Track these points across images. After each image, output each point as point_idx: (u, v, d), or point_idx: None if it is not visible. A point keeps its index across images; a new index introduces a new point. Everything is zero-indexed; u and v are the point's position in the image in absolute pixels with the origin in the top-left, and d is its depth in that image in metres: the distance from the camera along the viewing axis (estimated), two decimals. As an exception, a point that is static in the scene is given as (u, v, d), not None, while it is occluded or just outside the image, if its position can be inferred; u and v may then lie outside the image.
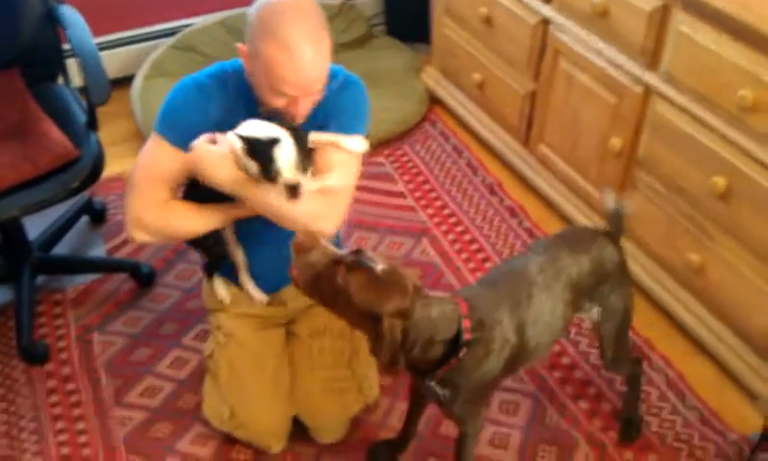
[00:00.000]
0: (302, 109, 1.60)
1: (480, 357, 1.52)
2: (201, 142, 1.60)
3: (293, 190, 1.52)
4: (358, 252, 1.43)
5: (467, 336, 1.47)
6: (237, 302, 1.88)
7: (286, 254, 1.82)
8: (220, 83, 1.67)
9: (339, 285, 1.41)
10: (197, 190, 1.67)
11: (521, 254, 1.81)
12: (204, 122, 1.63)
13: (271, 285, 1.86)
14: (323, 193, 1.60)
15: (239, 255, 1.81)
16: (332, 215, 1.63)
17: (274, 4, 1.53)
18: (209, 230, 1.70)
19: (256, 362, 1.84)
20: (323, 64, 1.55)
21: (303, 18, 1.51)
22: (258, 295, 1.86)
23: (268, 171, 1.50)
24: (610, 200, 1.81)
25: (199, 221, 1.69)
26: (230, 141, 1.54)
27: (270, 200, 1.56)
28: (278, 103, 1.57)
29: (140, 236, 1.68)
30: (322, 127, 1.67)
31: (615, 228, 1.81)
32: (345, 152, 1.66)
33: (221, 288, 1.87)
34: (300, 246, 1.48)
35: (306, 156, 1.56)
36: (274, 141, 1.49)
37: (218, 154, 1.57)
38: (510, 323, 1.55)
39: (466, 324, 1.47)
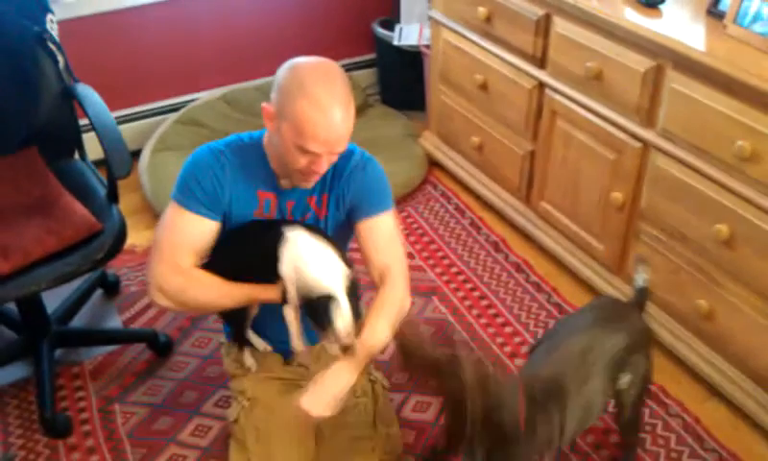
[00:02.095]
0: (323, 168, 1.67)
1: (527, 440, 1.60)
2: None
3: (347, 349, 1.62)
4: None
5: (521, 420, 1.56)
6: (260, 367, 1.92)
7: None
8: (236, 152, 1.74)
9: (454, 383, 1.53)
10: (227, 263, 1.73)
11: (562, 330, 1.88)
12: (218, 189, 1.70)
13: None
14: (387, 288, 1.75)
15: (253, 308, 1.84)
16: (406, 295, 1.80)
17: (304, 66, 1.61)
18: (231, 307, 1.75)
19: (283, 426, 1.85)
20: (350, 124, 1.63)
21: (334, 80, 1.60)
22: (261, 344, 1.91)
23: (325, 329, 1.60)
24: (640, 277, 1.92)
25: (221, 295, 1.73)
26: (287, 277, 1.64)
27: (380, 340, 1.67)
28: (301, 162, 1.63)
29: (161, 301, 1.73)
30: (352, 207, 1.77)
31: (642, 298, 1.92)
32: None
33: (248, 358, 1.92)
34: (406, 345, 1.59)
35: (356, 308, 1.63)
36: (329, 299, 1.57)
37: (329, 391, 1.65)
38: (557, 411, 1.65)
39: (521, 408, 1.57)
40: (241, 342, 1.91)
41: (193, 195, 1.70)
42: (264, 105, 1.66)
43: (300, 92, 1.57)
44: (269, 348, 1.92)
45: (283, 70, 1.63)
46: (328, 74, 1.60)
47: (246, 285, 1.73)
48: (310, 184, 1.72)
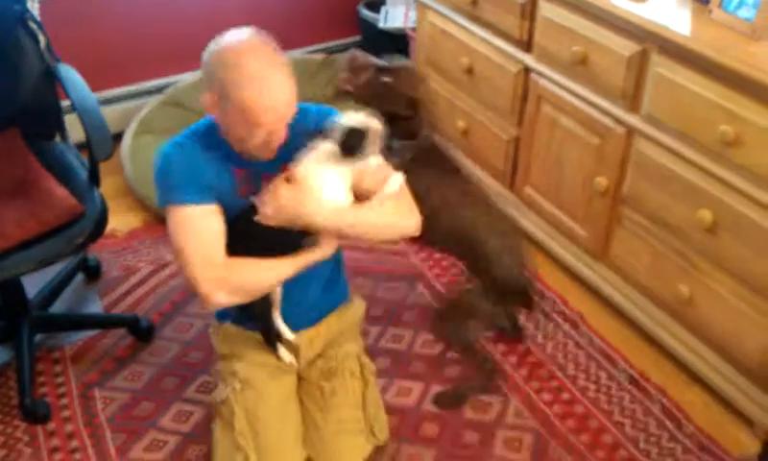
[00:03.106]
0: (281, 135, 1.65)
1: None
2: (284, 188, 1.65)
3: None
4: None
5: None
6: (255, 349, 1.91)
7: (309, 297, 1.89)
8: (198, 139, 1.72)
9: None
10: (238, 244, 1.70)
11: None
12: (198, 175, 1.68)
13: (291, 326, 1.89)
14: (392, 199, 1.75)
15: (276, 292, 1.82)
16: (412, 211, 1.80)
17: (226, 46, 1.60)
18: (283, 276, 1.73)
19: (277, 409, 1.86)
20: (292, 87, 1.61)
21: (258, 50, 1.59)
22: (287, 333, 1.89)
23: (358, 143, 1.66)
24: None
25: (267, 267, 1.71)
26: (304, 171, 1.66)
27: (371, 219, 1.71)
28: (257, 136, 1.61)
29: (221, 298, 1.67)
30: None
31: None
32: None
33: (286, 354, 1.90)
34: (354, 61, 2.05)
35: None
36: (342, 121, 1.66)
37: (311, 191, 1.64)
38: None
39: None
40: (271, 335, 1.88)
41: (183, 189, 1.68)
42: (202, 95, 1.64)
43: (235, 71, 1.56)
44: (296, 339, 1.90)
45: (210, 55, 1.62)
46: (253, 44, 1.60)
47: (293, 255, 1.72)
48: (274, 153, 1.69)
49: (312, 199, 1.64)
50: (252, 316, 1.86)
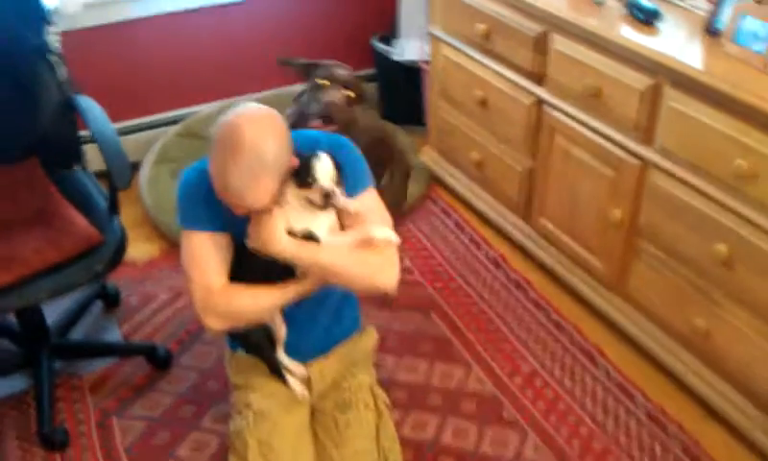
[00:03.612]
0: (256, 209, 1.64)
1: None
2: (254, 221, 1.66)
3: (326, 197, 1.62)
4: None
5: None
6: (268, 379, 1.91)
7: (317, 326, 1.90)
8: None
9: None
10: (243, 272, 1.73)
11: None
12: (214, 204, 1.70)
13: (300, 356, 1.91)
14: (372, 247, 1.71)
15: (281, 330, 1.84)
16: (391, 267, 1.75)
17: (229, 124, 1.59)
18: (277, 305, 1.75)
19: (292, 441, 1.86)
20: (255, 194, 1.59)
21: (244, 152, 1.55)
22: (298, 369, 1.90)
23: (304, 179, 1.61)
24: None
25: (264, 299, 1.74)
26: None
27: (331, 258, 1.67)
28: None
29: (213, 323, 1.73)
30: None
31: None
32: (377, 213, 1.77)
33: (297, 385, 1.91)
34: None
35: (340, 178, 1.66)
36: (313, 157, 1.62)
37: (272, 222, 1.64)
38: None
39: None
40: (278, 370, 1.89)
41: (192, 215, 1.73)
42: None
43: (213, 145, 1.59)
44: (305, 372, 1.92)
45: (217, 122, 1.63)
46: (240, 135, 1.56)
47: (284, 284, 1.74)
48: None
49: (272, 231, 1.64)
50: (247, 349, 1.90)
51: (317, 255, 1.68)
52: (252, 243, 1.68)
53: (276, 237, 1.64)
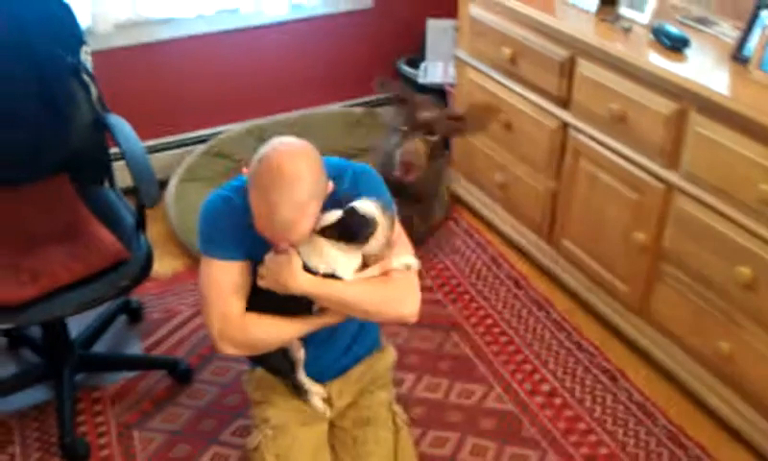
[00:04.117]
0: (293, 239, 1.65)
1: None
2: (270, 256, 1.68)
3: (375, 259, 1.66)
4: None
5: None
6: (287, 395, 1.92)
7: (337, 346, 1.90)
8: (243, 195, 1.73)
9: None
10: (260, 300, 1.74)
11: None
12: (236, 231, 1.72)
13: (319, 375, 1.91)
14: (392, 278, 1.72)
15: (300, 352, 1.85)
16: (411, 295, 1.76)
17: (268, 160, 1.59)
18: (293, 336, 1.77)
19: (310, 455, 1.87)
20: (302, 223, 1.61)
21: (290, 184, 1.57)
22: (318, 389, 1.91)
23: (358, 239, 1.64)
24: None
25: (284, 330, 1.76)
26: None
27: (350, 295, 1.68)
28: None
29: (229, 350, 1.76)
30: None
31: None
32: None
33: (318, 402, 1.92)
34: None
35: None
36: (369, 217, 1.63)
37: (291, 260, 1.65)
38: None
39: None
40: (298, 390, 1.91)
41: (215, 242, 1.74)
42: (244, 169, 1.68)
43: (254, 183, 1.60)
44: (324, 393, 1.93)
45: (262, 148, 1.64)
46: (282, 170, 1.57)
47: (299, 317, 1.76)
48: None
49: (290, 269, 1.65)
50: (266, 369, 1.92)
51: (341, 293, 1.69)
52: (264, 284, 1.70)
53: (295, 276, 1.65)
